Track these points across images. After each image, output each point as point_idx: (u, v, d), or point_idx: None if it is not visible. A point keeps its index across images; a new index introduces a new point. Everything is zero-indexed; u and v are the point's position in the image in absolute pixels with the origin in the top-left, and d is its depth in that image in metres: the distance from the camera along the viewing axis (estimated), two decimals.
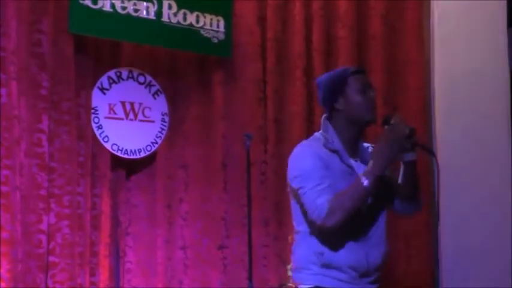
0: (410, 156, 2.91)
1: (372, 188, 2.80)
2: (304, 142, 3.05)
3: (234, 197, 4.89)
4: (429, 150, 2.98)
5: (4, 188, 4.06)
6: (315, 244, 2.94)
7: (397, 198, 3.05)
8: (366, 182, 2.78)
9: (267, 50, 5.15)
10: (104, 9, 4.46)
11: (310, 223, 2.93)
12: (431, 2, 5.43)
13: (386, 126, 2.86)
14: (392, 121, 2.86)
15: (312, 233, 2.95)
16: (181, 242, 4.79)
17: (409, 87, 5.41)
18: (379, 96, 5.24)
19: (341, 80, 2.97)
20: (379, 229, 3.01)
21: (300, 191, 2.90)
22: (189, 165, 4.88)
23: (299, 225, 3.01)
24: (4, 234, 4.04)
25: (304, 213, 2.94)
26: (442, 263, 5.21)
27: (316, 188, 2.84)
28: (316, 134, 3.06)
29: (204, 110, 4.96)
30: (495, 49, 5.32)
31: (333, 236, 2.89)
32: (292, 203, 3.02)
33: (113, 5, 4.49)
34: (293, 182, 2.96)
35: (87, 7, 4.40)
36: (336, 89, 2.98)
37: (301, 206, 2.94)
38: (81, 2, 4.37)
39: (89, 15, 4.41)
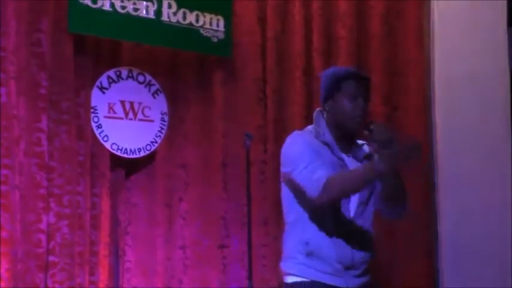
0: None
1: (372, 180, 2.82)
2: (295, 132, 3.07)
3: (234, 196, 4.89)
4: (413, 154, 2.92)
5: (3, 188, 4.06)
6: (301, 233, 2.96)
7: (381, 202, 3.04)
8: (378, 170, 2.69)
9: (267, 49, 5.15)
10: (104, 8, 4.46)
11: (301, 211, 2.95)
12: (431, 1, 5.43)
13: (366, 132, 2.86)
14: (372, 127, 2.84)
15: (300, 221, 2.97)
16: (181, 241, 4.79)
17: (409, 87, 5.40)
18: (379, 95, 5.25)
19: (334, 84, 2.99)
20: (366, 224, 3.02)
21: (293, 173, 2.90)
22: (189, 164, 4.88)
23: (288, 216, 3.04)
24: (3, 234, 4.04)
25: (297, 199, 2.95)
26: (442, 263, 5.21)
27: (310, 166, 2.84)
28: (309, 127, 3.08)
29: (203, 109, 4.96)
30: (495, 49, 5.31)
31: (320, 226, 2.92)
32: (284, 191, 3.03)
33: (112, 5, 4.49)
34: (285, 166, 2.97)
35: (87, 6, 4.40)
36: (327, 90, 3.01)
37: (294, 193, 2.96)
38: (80, 1, 4.37)
39: (89, 15, 4.41)
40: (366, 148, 2.92)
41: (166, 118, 4.83)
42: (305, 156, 2.87)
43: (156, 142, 4.78)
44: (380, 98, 5.28)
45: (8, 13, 4.17)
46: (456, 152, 5.24)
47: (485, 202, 5.16)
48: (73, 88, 4.45)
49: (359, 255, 2.98)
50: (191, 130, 4.92)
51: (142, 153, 4.73)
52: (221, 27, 4.88)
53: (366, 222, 3.04)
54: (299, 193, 2.93)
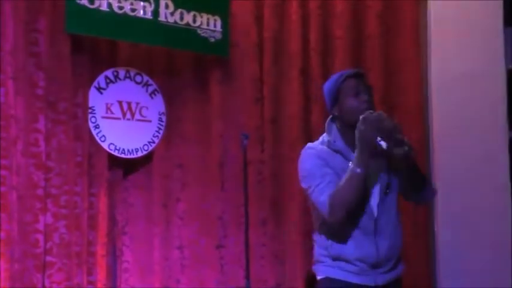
0: (398, 151, 2.93)
1: (365, 172, 2.88)
2: (308, 145, 3.17)
3: (231, 196, 4.89)
4: (410, 146, 2.96)
5: (1, 188, 4.06)
6: (324, 238, 3.07)
7: (404, 190, 3.09)
8: (358, 170, 2.87)
9: (264, 49, 5.15)
10: (101, 8, 4.46)
11: (319, 219, 3.06)
12: (428, 1, 5.43)
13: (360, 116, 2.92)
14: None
15: (321, 228, 3.08)
16: (178, 241, 4.79)
17: (405, 87, 5.41)
18: (376, 95, 5.20)
19: (334, 88, 3.09)
20: (390, 220, 3.05)
21: (308, 192, 3.04)
22: (186, 164, 4.88)
23: (315, 223, 3.15)
24: (1, 234, 4.05)
25: (316, 210, 3.06)
26: (440, 269, 5.22)
27: (319, 186, 2.97)
28: (322, 136, 3.18)
29: (201, 109, 4.96)
30: (492, 48, 5.33)
31: (339, 229, 3.00)
32: (309, 201, 3.12)
33: (109, 5, 4.49)
34: (302, 183, 3.10)
35: (84, 7, 4.40)
36: (331, 97, 3.11)
37: (313, 204, 3.06)
38: (77, 1, 4.37)
39: (86, 15, 4.41)
40: (382, 143, 2.94)
41: (163, 118, 4.83)
42: (314, 175, 2.99)
43: (154, 142, 4.78)
44: (377, 97, 5.20)
45: (5, 13, 4.18)
46: (453, 151, 5.25)
47: (483, 202, 5.17)
48: (70, 88, 4.45)
49: (384, 253, 3.02)
50: (188, 130, 4.92)
51: (139, 154, 4.74)
52: (218, 28, 4.89)
53: (390, 217, 3.07)
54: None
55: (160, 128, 4.81)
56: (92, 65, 4.62)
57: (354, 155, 2.96)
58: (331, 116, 3.14)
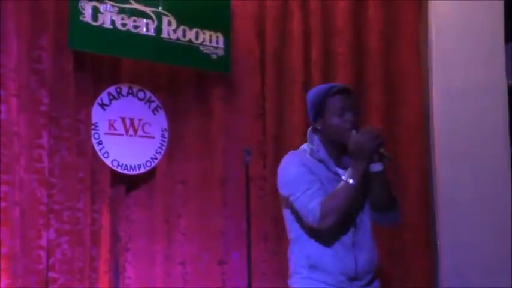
0: (376, 167, 2.96)
1: (359, 186, 2.89)
2: (290, 152, 3.13)
3: (233, 212, 4.90)
4: (390, 159, 2.98)
5: (3, 204, 4.08)
6: (304, 248, 3.02)
7: (372, 209, 3.08)
8: (351, 181, 2.88)
9: (265, 65, 5.17)
10: (104, 25, 4.49)
11: (301, 228, 3.02)
12: (429, 16, 5.46)
13: (354, 131, 2.94)
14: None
15: (301, 237, 3.03)
16: (181, 257, 4.79)
17: (407, 102, 5.42)
18: (377, 110, 5.27)
19: (320, 102, 3.07)
20: (366, 235, 3.04)
21: (291, 198, 2.98)
22: (188, 180, 4.89)
23: (291, 233, 3.10)
24: (4, 250, 4.05)
25: (297, 219, 3.02)
26: (443, 282, 5.22)
27: (307, 192, 2.93)
28: (303, 145, 3.13)
29: (203, 125, 4.98)
30: (493, 64, 5.34)
31: (320, 240, 2.97)
32: (284, 212, 3.08)
33: (113, 22, 4.52)
34: (283, 190, 3.04)
35: (87, 24, 4.43)
36: (315, 109, 3.09)
37: (293, 212, 3.03)
38: (81, 18, 4.40)
39: (89, 32, 4.44)
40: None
41: (166, 134, 4.85)
42: (301, 181, 2.95)
43: (156, 158, 4.80)
44: (379, 112, 5.30)
45: (8, 30, 4.20)
46: (456, 164, 5.25)
47: (485, 218, 5.16)
48: (73, 105, 4.47)
49: (362, 266, 3.01)
50: (191, 146, 4.94)
51: (142, 170, 4.75)
52: (221, 44, 4.91)
53: (366, 231, 3.07)
54: (298, 214, 2.98)
55: (163, 144, 4.83)
56: (95, 81, 4.64)
57: (337, 167, 2.98)
58: (311, 127, 3.13)
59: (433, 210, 5.33)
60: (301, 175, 2.97)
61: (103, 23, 4.49)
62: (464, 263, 5.11)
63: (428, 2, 5.46)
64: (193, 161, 4.92)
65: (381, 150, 2.92)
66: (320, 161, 3.03)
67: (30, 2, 4.33)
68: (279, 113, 5.16)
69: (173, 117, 4.90)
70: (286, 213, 3.08)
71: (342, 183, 2.91)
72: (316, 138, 3.08)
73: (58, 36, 4.42)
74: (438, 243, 5.27)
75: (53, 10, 4.41)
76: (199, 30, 4.84)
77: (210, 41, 4.88)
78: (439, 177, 5.31)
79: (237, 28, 5.09)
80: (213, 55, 4.90)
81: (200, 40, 4.84)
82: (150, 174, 4.80)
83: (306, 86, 5.18)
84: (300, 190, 2.94)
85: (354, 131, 2.94)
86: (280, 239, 5.03)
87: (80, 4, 4.40)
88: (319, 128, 3.07)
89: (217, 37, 4.91)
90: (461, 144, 5.24)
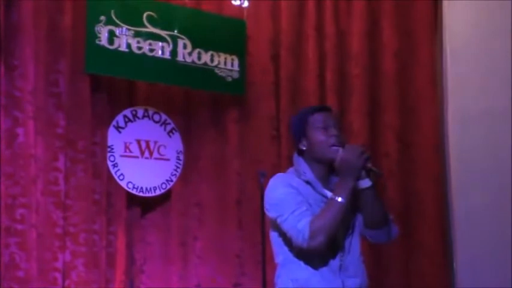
0: (365, 183, 2.94)
1: (347, 203, 2.84)
2: (277, 174, 3.10)
3: (249, 234, 4.90)
4: (379, 174, 2.96)
5: (20, 226, 4.10)
6: (291, 271, 2.96)
7: (366, 227, 3.05)
8: (340, 199, 2.82)
9: (280, 88, 5.19)
10: (120, 49, 4.53)
11: (289, 251, 2.96)
12: (444, 39, 5.46)
13: (340, 148, 2.92)
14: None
15: (289, 261, 2.97)
16: (196, 279, 4.79)
17: (422, 124, 5.41)
18: (393, 132, 5.26)
19: (302, 122, 3.04)
20: (354, 259, 3.01)
21: (279, 220, 2.93)
22: (204, 202, 4.90)
23: (278, 257, 3.04)
24: (20, 273, 4.07)
25: (284, 241, 2.97)
26: None
27: (295, 213, 2.88)
28: (290, 168, 3.11)
29: (218, 147, 5.00)
30: (508, 87, 5.31)
31: (308, 263, 2.92)
32: (272, 235, 3.04)
33: (128, 45, 4.56)
34: (270, 212, 2.99)
35: (104, 47, 4.47)
36: (298, 130, 3.05)
37: (281, 235, 2.98)
38: (97, 42, 4.45)
39: (105, 55, 4.49)
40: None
41: (181, 157, 4.87)
42: (289, 202, 2.90)
43: (172, 181, 4.81)
44: (394, 134, 5.30)
45: (26, 54, 4.25)
46: (471, 188, 5.22)
47: (502, 238, 5.12)
48: (90, 127, 4.51)
49: (349, 287, 2.97)
50: (206, 168, 4.95)
51: (158, 192, 4.76)
52: (235, 67, 4.94)
53: (354, 251, 3.03)
54: (286, 236, 2.96)
55: (178, 167, 4.85)
56: (110, 104, 4.68)
57: (324, 189, 2.96)
58: (297, 150, 3.08)
59: (449, 233, 5.30)
60: (289, 196, 2.92)
61: (119, 47, 4.53)
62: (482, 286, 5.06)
63: (444, 25, 5.46)
64: (208, 183, 4.94)
65: (369, 165, 2.90)
66: (307, 182, 3.01)
67: (48, 26, 4.38)
68: None
69: (188, 140, 4.92)
70: (274, 236, 3.05)
71: (330, 201, 2.86)
72: (302, 161, 3.04)
73: (75, 60, 4.47)
74: (455, 266, 5.24)
75: (69, 34, 4.46)
76: (214, 53, 4.87)
77: (225, 63, 4.91)
78: (455, 201, 5.28)
79: (252, 51, 5.12)
80: (228, 78, 4.93)
81: (215, 63, 4.88)
82: (166, 196, 4.82)
83: None
84: (288, 211, 2.88)
85: (340, 149, 2.92)
86: None
87: (96, 28, 4.45)
88: (304, 148, 3.02)
89: (232, 60, 4.94)
90: (476, 167, 5.21)
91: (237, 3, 4.97)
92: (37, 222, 4.19)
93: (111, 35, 4.50)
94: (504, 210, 5.07)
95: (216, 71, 4.89)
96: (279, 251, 3.02)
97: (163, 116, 4.85)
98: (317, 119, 3.00)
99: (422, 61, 5.50)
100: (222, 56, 4.91)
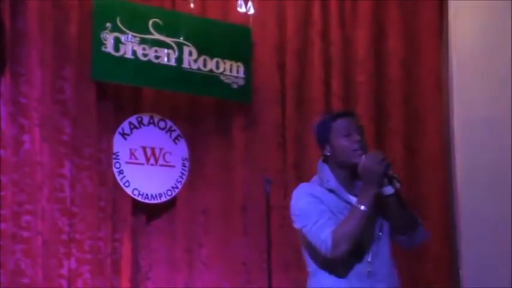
0: (388, 190, 2.94)
1: (370, 211, 2.86)
2: (300, 185, 3.11)
3: (254, 241, 4.89)
4: (399, 181, 2.97)
5: (25, 233, 4.10)
6: (319, 280, 2.99)
7: (395, 233, 3.06)
8: (362, 207, 2.85)
9: (286, 95, 5.20)
10: (126, 56, 4.54)
11: (316, 261, 2.99)
12: (449, 46, 5.46)
13: (363, 155, 2.92)
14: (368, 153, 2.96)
15: (317, 270, 3.00)
16: (201, 286, 4.78)
17: (428, 131, 5.40)
18: (398, 139, 5.26)
19: (325, 128, 3.07)
20: (384, 263, 3.01)
21: (303, 230, 2.96)
22: (209, 209, 4.90)
23: (308, 266, 3.07)
24: (25, 279, 4.07)
25: (311, 251, 2.99)
26: None
27: (317, 223, 2.91)
28: (314, 177, 3.12)
29: (224, 154, 5.00)
30: None
31: (335, 271, 2.94)
32: (301, 244, 3.07)
33: (134, 52, 4.57)
34: (295, 223, 3.03)
35: (110, 54, 4.48)
36: (322, 136, 3.08)
37: (308, 245, 3.00)
38: (103, 49, 4.46)
39: (111, 62, 4.50)
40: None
41: (187, 163, 4.87)
42: (311, 213, 2.93)
43: (177, 187, 4.81)
44: (399, 142, 5.29)
45: (32, 61, 4.26)
46: (477, 194, 5.21)
47: (508, 243, 5.10)
48: (95, 134, 4.52)
49: None
50: (211, 175, 4.95)
51: (163, 199, 4.76)
52: (241, 74, 4.95)
53: (384, 256, 3.03)
54: (312, 246, 2.97)
55: (183, 173, 4.85)
56: (116, 111, 4.69)
57: (349, 195, 2.96)
58: (322, 157, 3.11)
59: (455, 239, 5.29)
60: (311, 206, 2.95)
61: (125, 54, 4.54)
62: None
63: (449, 32, 5.46)
64: (214, 190, 4.93)
65: (390, 172, 2.91)
66: (330, 190, 3.03)
67: (54, 33, 4.40)
68: (299, 142, 5.17)
69: (194, 147, 4.93)
70: (303, 246, 3.08)
71: (352, 209, 2.88)
72: (325, 168, 3.06)
73: (81, 67, 4.48)
74: (460, 272, 5.22)
75: (75, 41, 4.47)
76: (220, 60, 4.88)
77: (230, 70, 4.92)
78: (460, 207, 5.26)
79: (258, 58, 5.12)
80: (234, 84, 4.93)
81: (221, 70, 4.88)
82: (171, 203, 4.82)
83: None
84: (311, 222, 2.92)
85: (363, 156, 2.94)
86: (301, 269, 4.97)
87: (102, 35, 4.46)
88: (328, 154, 3.06)
89: (238, 67, 4.95)
90: (482, 173, 5.20)
91: (243, 10, 4.97)
92: (43, 229, 4.19)
93: (117, 42, 4.51)
94: (508, 215, 5.06)
95: (222, 78, 4.89)
96: (309, 261, 3.06)
97: (169, 123, 4.85)
98: (340, 124, 3.03)
99: (428, 68, 5.49)
100: (228, 63, 4.91)
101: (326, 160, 3.08)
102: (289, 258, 4.97)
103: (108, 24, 4.50)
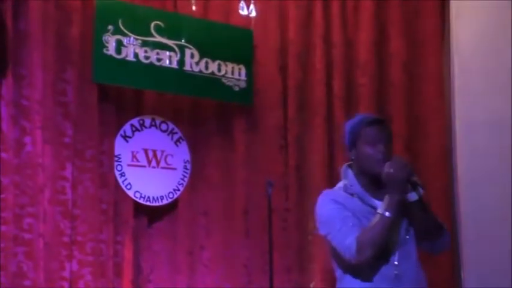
0: (412, 197, 2.95)
1: (395, 217, 2.87)
2: (324, 191, 3.14)
3: (256, 244, 4.89)
4: (423, 188, 2.97)
5: (27, 236, 4.11)
6: (348, 284, 3.01)
7: (419, 239, 3.06)
8: (387, 213, 2.87)
9: (288, 97, 5.19)
10: (128, 58, 4.55)
11: (342, 266, 3.01)
12: (451, 48, 5.45)
13: (387, 162, 2.93)
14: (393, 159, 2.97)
15: (344, 275, 3.03)
16: None
17: (429, 134, 5.40)
18: (400, 142, 5.25)
19: (354, 132, 3.08)
20: (411, 266, 3.02)
21: (328, 237, 2.99)
22: (211, 211, 4.90)
23: (336, 271, 3.10)
24: (27, 282, 4.07)
25: (336, 256, 3.02)
26: None
27: (341, 230, 2.93)
28: (339, 183, 3.15)
29: (225, 157, 5.00)
30: None
31: (361, 275, 2.96)
32: (329, 249, 3.08)
33: (136, 55, 4.58)
34: (320, 229, 3.06)
35: (111, 57, 4.49)
36: (350, 140, 3.10)
37: (333, 251, 3.02)
38: (105, 52, 4.46)
39: (113, 65, 4.51)
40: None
41: (188, 166, 4.87)
42: (335, 219, 2.96)
43: (179, 190, 4.81)
44: (401, 144, 5.28)
45: (34, 64, 4.27)
46: (479, 197, 5.20)
47: (510, 248, 5.10)
48: (97, 136, 4.52)
49: None
50: (213, 178, 4.95)
51: (165, 201, 4.77)
52: (243, 76, 4.95)
53: (411, 259, 3.04)
54: (337, 251, 3.00)
55: (185, 176, 4.85)
56: (118, 113, 4.69)
57: (373, 199, 2.97)
58: (346, 164, 3.13)
59: (457, 242, 5.28)
60: (334, 213, 2.98)
61: (126, 56, 4.55)
62: None
63: (451, 34, 5.46)
64: (215, 192, 4.94)
65: (413, 179, 2.92)
66: (354, 195, 3.04)
67: (56, 36, 4.40)
68: (301, 145, 5.17)
69: (195, 149, 4.93)
70: (330, 251, 3.10)
71: (377, 216, 2.90)
72: (350, 173, 3.09)
73: (82, 70, 4.48)
74: (463, 276, 5.22)
75: (77, 44, 4.47)
76: (222, 63, 4.88)
77: (232, 73, 4.92)
78: (463, 210, 5.26)
79: (260, 60, 5.12)
80: (235, 87, 4.93)
81: (222, 72, 4.88)
82: (173, 205, 4.82)
83: (328, 118, 5.20)
84: (335, 228, 2.95)
85: (387, 163, 2.94)
86: (303, 271, 5.01)
87: (104, 37, 4.47)
88: (353, 157, 3.08)
89: (240, 69, 4.95)
90: (484, 177, 5.19)
91: (245, 12, 4.97)
92: (44, 231, 4.19)
93: (119, 45, 4.52)
94: (510, 218, 5.06)
95: (224, 80, 4.89)
96: (335, 266, 3.09)
97: (171, 125, 4.86)
98: (368, 132, 3.04)
99: (430, 70, 5.49)
100: (230, 65, 4.92)
101: (351, 164, 3.10)
102: (290, 261, 4.98)
103: (110, 27, 4.50)
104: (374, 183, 3.04)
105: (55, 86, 4.38)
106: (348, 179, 3.07)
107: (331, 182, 5.09)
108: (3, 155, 4.10)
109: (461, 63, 5.39)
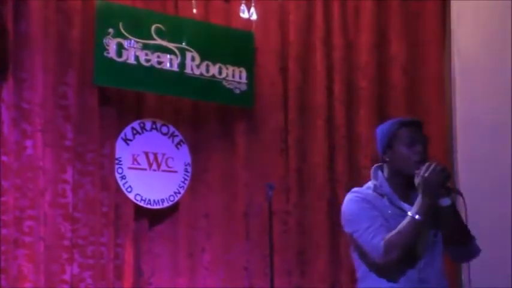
0: (445, 202, 2.93)
1: (426, 221, 2.86)
2: (353, 189, 3.11)
3: (256, 246, 4.89)
4: (459, 193, 2.97)
5: (28, 239, 4.11)
6: (371, 283, 2.99)
7: (445, 244, 3.05)
8: (417, 216, 2.84)
9: (288, 100, 5.20)
10: (128, 61, 4.55)
11: (366, 265, 3.00)
12: (452, 50, 5.46)
13: (422, 165, 2.91)
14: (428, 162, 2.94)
15: (367, 275, 3.01)
16: None
17: (431, 137, 5.35)
18: None
19: (390, 133, 3.05)
20: (435, 272, 3.01)
21: (355, 235, 2.97)
22: (211, 214, 4.90)
23: (358, 271, 3.08)
24: (28, 285, 4.07)
25: (361, 255, 3.01)
26: None
27: (369, 229, 2.91)
28: (368, 183, 3.12)
29: (226, 160, 5.00)
30: None
31: (386, 276, 2.95)
32: (351, 249, 3.07)
33: (137, 58, 4.58)
34: (346, 227, 3.03)
35: (112, 60, 4.49)
36: (385, 141, 3.06)
37: (357, 249, 3.01)
38: (106, 54, 4.47)
39: (114, 68, 4.51)
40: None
41: (189, 169, 4.87)
42: (363, 218, 2.94)
43: (180, 193, 4.81)
44: None
45: (35, 67, 4.27)
46: (480, 200, 5.19)
47: (509, 249, 5.09)
48: (98, 139, 4.52)
49: None
50: (214, 180, 4.95)
51: (165, 204, 4.76)
52: (243, 79, 4.95)
53: (436, 265, 3.03)
54: (362, 250, 2.98)
55: (186, 179, 4.85)
56: (118, 116, 4.69)
57: (402, 202, 2.96)
58: (376, 165, 3.10)
59: None
60: (363, 211, 2.95)
61: (127, 59, 4.55)
62: None
63: (452, 36, 5.46)
64: (216, 195, 4.93)
65: (448, 184, 2.90)
66: (383, 195, 3.02)
67: (57, 39, 4.40)
68: (301, 147, 5.17)
69: (196, 152, 4.92)
70: (352, 251, 3.08)
71: (408, 218, 2.87)
72: (380, 175, 3.06)
73: (83, 73, 4.48)
74: (463, 278, 5.21)
75: (78, 47, 4.47)
76: (222, 66, 4.88)
77: (233, 76, 4.92)
78: (463, 212, 5.25)
79: (260, 63, 5.12)
80: (236, 90, 4.93)
81: (223, 75, 4.88)
82: (173, 208, 4.82)
83: (329, 120, 5.20)
84: (363, 227, 2.92)
85: (423, 167, 2.92)
86: (303, 274, 5.01)
87: (105, 40, 4.47)
88: (387, 159, 3.03)
89: (240, 72, 4.95)
90: (486, 180, 5.19)
91: (245, 15, 4.97)
92: (45, 234, 4.19)
93: (120, 48, 4.52)
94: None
95: (224, 83, 4.90)
96: (358, 266, 3.06)
97: (171, 128, 4.86)
98: (405, 132, 3.01)
99: (431, 73, 5.50)
100: (230, 68, 4.92)
101: (381, 166, 3.08)
102: (291, 264, 4.98)
103: (111, 30, 4.50)
104: (405, 186, 3.02)
105: (56, 89, 4.38)
106: (377, 180, 3.05)
107: (332, 184, 5.11)
108: (4, 158, 4.11)
109: (461, 65, 5.39)
